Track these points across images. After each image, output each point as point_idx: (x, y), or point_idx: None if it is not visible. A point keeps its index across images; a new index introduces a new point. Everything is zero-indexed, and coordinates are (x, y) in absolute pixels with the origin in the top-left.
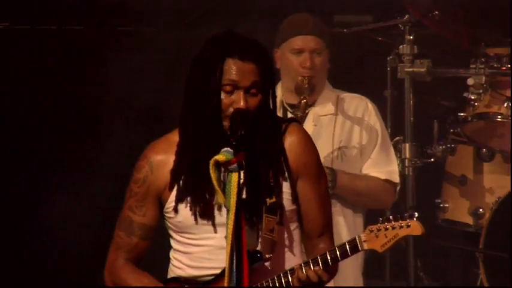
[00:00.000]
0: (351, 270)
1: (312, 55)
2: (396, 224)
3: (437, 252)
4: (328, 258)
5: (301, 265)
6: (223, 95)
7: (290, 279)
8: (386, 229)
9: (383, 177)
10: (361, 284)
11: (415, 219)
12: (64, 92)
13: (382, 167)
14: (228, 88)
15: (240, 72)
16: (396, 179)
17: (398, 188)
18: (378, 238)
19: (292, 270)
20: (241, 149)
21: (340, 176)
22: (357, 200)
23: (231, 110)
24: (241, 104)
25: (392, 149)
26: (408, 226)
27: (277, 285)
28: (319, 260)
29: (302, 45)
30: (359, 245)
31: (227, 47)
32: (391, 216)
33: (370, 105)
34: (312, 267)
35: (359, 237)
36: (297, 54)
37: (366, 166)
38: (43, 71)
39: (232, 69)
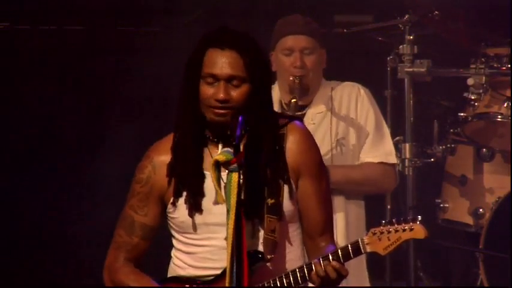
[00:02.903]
0: (355, 271)
1: (302, 54)
2: (399, 227)
3: (437, 252)
4: (331, 259)
5: (319, 260)
6: (204, 86)
7: (291, 281)
8: (389, 232)
9: (377, 160)
10: (367, 282)
11: (418, 222)
12: (64, 92)
13: (376, 150)
14: (208, 80)
15: (219, 63)
16: (392, 159)
17: (397, 168)
18: (381, 241)
19: (309, 266)
20: (241, 149)
21: (334, 172)
22: (357, 190)
23: (212, 101)
24: (220, 95)
25: (387, 131)
26: (411, 229)
27: (280, 286)
28: (321, 261)
29: (292, 45)
30: (362, 248)
31: (209, 38)
32: (394, 219)
33: (362, 91)
34: (331, 263)
35: (362, 239)
36: (287, 54)
37: (362, 152)
38: (43, 71)
39: (212, 59)
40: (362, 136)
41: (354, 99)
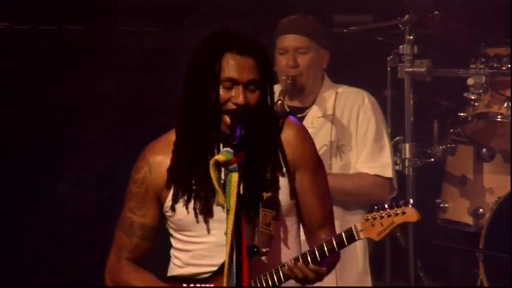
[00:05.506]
0: (356, 271)
1: (295, 54)
2: (391, 211)
3: (437, 252)
4: (325, 249)
5: (295, 263)
6: (222, 90)
7: (285, 274)
8: (381, 217)
9: (373, 172)
10: (368, 282)
11: (410, 206)
12: (64, 92)
13: (373, 162)
14: (227, 84)
15: (239, 68)
16: (387, 173)
17: (394, 182)
18: (374, 227)
19: (286, 267)
20: (242, 149)
21: None
22: (347, 199)
23: (230, 104)
24: (240, 99)
25: (387, 144)
26: (404, 213)
27: (275, 280)
28: (316, 251)
29: (286, 45)
30: (355, 235)
31: (225, 42)
32: (386, 205)
33: (367, 100)
34: (309, 262)
35: (355, 226)
36: (282, 53)
37: (358, 162)
38: (43, 71)
39: (231, 64)
40: (361, 145)
41: (356, 108)
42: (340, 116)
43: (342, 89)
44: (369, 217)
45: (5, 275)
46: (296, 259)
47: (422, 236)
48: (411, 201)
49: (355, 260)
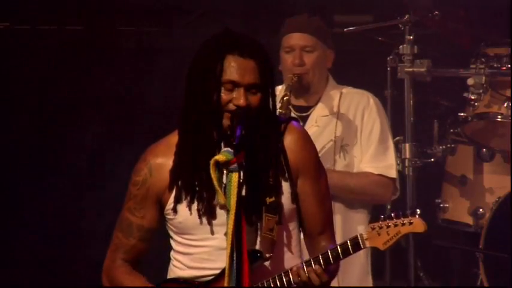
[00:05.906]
0: (358, 272)
1: (301, 52)
2: (398, 221)
3: (437, 252)
4: (330, 256)
5: (302, 265)
6: (223, 92)
7: (291, 279)
8: (388, 226)
9: (377, 172)
10: (370, 283)
11: (417, 216)
12: (64, 92)
13: (378, 162)
14: (228, 86)
15: (240, 70)
16: (392, 173)
17: (397, 183)
18: (380, 236)
19: (292, 270)
20: (242, 149)
21: (330, 176)
22: (351, 198)
23: (231, 106)
24: (242, 101)
25: (391, 145)
26: (410, 223)
27: (278, 285)
28: (321, 258)
29: (292, 43)
30: (361, 243)
31: (226, 44)
32: (392, 214)
33: (372, 101)
34: (313, 267)
35: (361, 235)
36: (288, 52)
37: (363, 162)
38: (43, 71)
39: (232, 66)
40: (365, 146)
41: (361, 108)
42: (344, 116)
43: (347, 90)
44: (375, 226)
45: (5, 275)
46: (301, 266)
47: (422, 236)
48: (418, 211)
49: (357, 261)
